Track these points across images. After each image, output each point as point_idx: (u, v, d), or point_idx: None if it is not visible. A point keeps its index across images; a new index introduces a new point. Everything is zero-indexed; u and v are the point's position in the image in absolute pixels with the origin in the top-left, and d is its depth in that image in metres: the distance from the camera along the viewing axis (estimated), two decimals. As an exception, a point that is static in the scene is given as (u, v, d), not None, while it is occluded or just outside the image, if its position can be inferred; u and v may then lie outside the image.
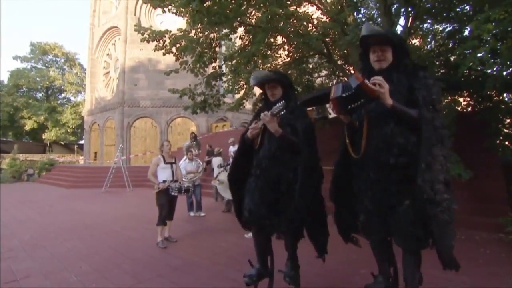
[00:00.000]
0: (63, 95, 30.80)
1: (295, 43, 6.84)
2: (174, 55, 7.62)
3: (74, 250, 3.93)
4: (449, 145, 1.66)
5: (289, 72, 9.16)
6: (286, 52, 8.88)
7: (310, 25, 6.93)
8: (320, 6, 6.99)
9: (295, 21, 6.36)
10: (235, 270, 3.07)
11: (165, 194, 4.20)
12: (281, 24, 5.63)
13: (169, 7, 6.84)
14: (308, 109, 8.43)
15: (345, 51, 7.98)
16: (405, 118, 1.65)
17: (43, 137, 27.52)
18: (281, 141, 2.08)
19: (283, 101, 1.97)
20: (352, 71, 8.36)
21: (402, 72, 1.76)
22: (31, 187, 13.12)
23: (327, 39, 7.24)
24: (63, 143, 28.47)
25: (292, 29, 6.24)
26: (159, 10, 7.00)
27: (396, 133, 1.68)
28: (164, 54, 7.62)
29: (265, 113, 2.01)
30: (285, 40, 6.62)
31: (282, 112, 1.95)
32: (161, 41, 7.49)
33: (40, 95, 29.67)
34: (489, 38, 4.29)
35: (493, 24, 4.14)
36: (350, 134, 1.87)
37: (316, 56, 8.87)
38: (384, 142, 1.70)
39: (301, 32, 6.19)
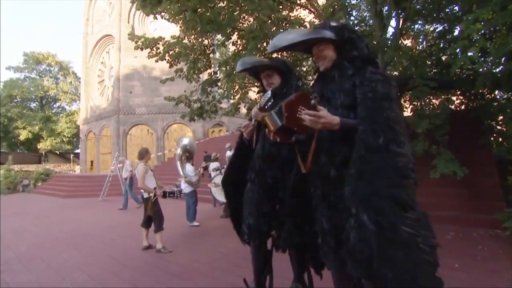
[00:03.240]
0: (57, 104, 30.62)
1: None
2: (167, 62, 7.64)
3: (71, 260, 3.88)
4: (405, 155, 1.24)
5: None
6: (279, 57, 8.95)
7: (302, 29, 6.99)
8: (312, 9, 7.07)
9: (287, 25, 6.42)
10: (235, 275, 3.06)
11: (157, 201, 4.24)
12: (273, 29, 5.68)
13: (162, 14, 6.89)
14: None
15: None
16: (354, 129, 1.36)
17: (38, 147, 27.29)
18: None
19: (270, 90, 1.74)
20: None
21: (346, 67, 1.52)
22: (26, 198, 12.97)
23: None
24: (58, 153, 28.23)
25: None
26: (152, 17, 7.02)
27: (338, 141, 1.44)
28: (156, 61, 7.64)
29: (254, 108, 1.84)
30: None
31: (270, 103, 1.71)
32: (154, 48, 7.51)
33: (35, 104, 29.46)
34: (478, 38, 4.37)
35: (482, 24, 4.23)
36: (300, 148, 1.66)
37: (310, 59, 8.94)
38: (325, 152, 1.48)
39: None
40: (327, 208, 1.48)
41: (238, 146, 2.15)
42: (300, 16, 7.23)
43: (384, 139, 1.24)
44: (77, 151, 26.94)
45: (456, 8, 5.86)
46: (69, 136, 27.82)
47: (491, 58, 4.52)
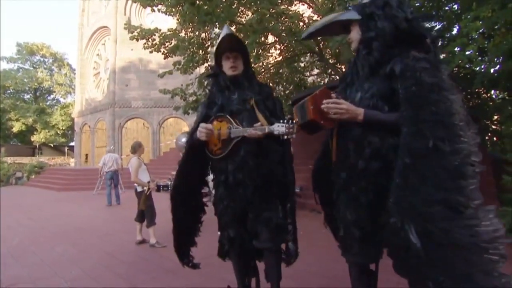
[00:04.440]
0: (52, 96, 30.24)
1: (287, 42, 6.85)
2: (163, 54, 7.55)
3: (65, 254, 3.85)
4: (461, 150, 1.09)
5: (281, 70, 9.17)
6: (277, 51, 8.89)
7: (301, 23, 6.94)
8: (311, 4, 7.00)
9: (286, 19, 6.36)
10: (230, 272, 3.03)
11: (150, 195, 4.21)
12: (272, 24, 5.62)
13: (159, 6, 6.78)
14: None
15: (337, 50, 8.03)
16: (389, 126, 1.25)
17: (32, 140, 26.98)
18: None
19: (294, 121, 1.49)
20: (344, 69, 8.45)
21: (360, 53, 1.36)
22: (19, 191, 12.84)
23: (319, 38, 7.27)
24: (53, 145, 27.97)
25: (283, 28, 6.24)
26: (149, 9, 6.91)
27: (368, 131, 1.30)
28: (151, 52, 7.56)
29: (256, 128, 1.60)
30: (277, 39, 6.64)
31: (287, 137, 1.53)
32: (150, 39, 7.42)
33: (28, 96, 29.07)
34: (476, 36, 4.36)
35: (481, 22, 4.21)
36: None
37: (308, 54, 8.90)
38: (353, 142, 1.35)
39: (293, 30, 6.20)
40: (350, 199, 1.38)
41: (189, 149, 1.85)
42: (298, 11, 7.16)
43: (433, 139, 1.09)
44: (71, 144, 26.69)
45: (455, 6, 5.84)
46: (63, 128, 27.53)
47: (489, 57, 4.53)
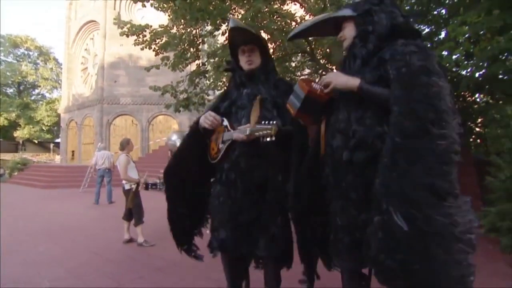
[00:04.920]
0: (37, 91, 29.37)
1: (280, 41, 6.85)
2: (153, 50, 7.44)
3: (49, 254, 3.74)
4: (448, 136, 1.06)
5: (273, 70, 9.16)
6: (270, 51, 8.89)
7: (293, 23, 6.96)
8: (303, 4, 7.03)
9: (279, 18, 6.37)
10: (219, 271, 3.01)
11: (138, 193, 4.16)
12: (265, 22, 5.61)
13: (150, 1, 6.67)
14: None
15: (328, 50, 8.09)
16: (384, 101, 1.18)
17: (15, 135, 26.15)
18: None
19: (274, 122, 1.38)
20: (335, 70, 8.51)
21: (357, 45, 1.34)
22: (1, 188, 12.44)
23: (310, 38, 7.31)
24: (37, 142, 27.19)
25: (276, 27, 6.24)
26: (140, 4, 6.78)
27: (354, 121, 1.25)
28: (142, 49, 7.44)
29: (240, 130, 1.49)
30: (269, 37, 6.65)
31: (267, 139, 1.37)
32: (141, 36, 7.29)
33: (11, 90, 28.14)
34: (463, 41, 4.47)
35: (467, 27, 4.32)
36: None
37: (299, 54, 8.93)
38: (341, 134, 1.29)
39: (285, 29, 6.21)
40: (339, 198, 1.32)
41: (192, 133, 1.79)
42: (290, 10, 7.18)
43: (423, 121, 1.06)
44: (57, 140, 26.00)
45: (443, 11, 5.98)
46: (49, 124, 26.78)
47: (475, 61, 4.66)
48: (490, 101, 5.32)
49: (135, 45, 7.45)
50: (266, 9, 5.39)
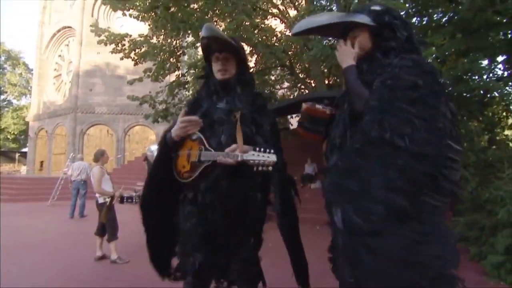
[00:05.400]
0: (3, 97, 27.68)
1: (261, 53, 6.99)
2: (132, 60, 7.32)
3: (10, 274, 3.45)
4: (424, 156, 0.98)
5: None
6: (250, 64, 9.04)
7: (274, 38, 7.15)
8: (283, 20, 7.26)
9: (260, 32, 6.52)
10: None
11: (113, 207, 3.98)
12: (248, 34, 5.72)
13: (131, 10, 6.61)
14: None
15: (306, 65, 8.35)
16: (353, 95, 1.19)
17: (-24, 144, 24.36)
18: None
19: (272, 152, 1.29)
20: (313, 84, 8.79)
21: (378, 59, 1.26)
22: (-42, 202, 11.42)
23: (290, 52, 7.53)
24: (1, 151, 25.43)
25: (258, 40, 6.38)
26: (119, 13, 6.69)
27: (349, 135, 1.22)
28: (121, 59, 7.29)
29: (228, 154, 1.35)
30: (252, 50, 6.77)
31: (261, 169, 1.29)
32: (119, 45, 7.16)
33: (-26, 96, 26.38)
34: (431, 61, 4.80)
35: (434, 48, 4.65)
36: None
37: (279, 68, 9.14)
38: (337, 149, 1.27)
39: (267, 43, 6.35)
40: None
41: (162, 155, 1.57)
42: (271, 25, 7.38)
43: (391, 132, 0.98)
44: (24, 150, 24.45)
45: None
46: (15, 133, 25.21)
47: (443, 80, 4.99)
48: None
49: (112, 53, 7.30)
50: (248, 23, 5.51)
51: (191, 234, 1.50)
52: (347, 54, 1.27)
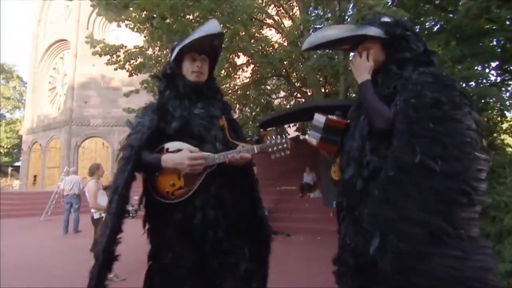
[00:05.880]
0: (-4, 111, 27.36)
1: (258, 63, 7.02)
2: (127, 71, 7.29)
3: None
4: (454, 175, 1.00)
5: (248, 92, 9.33)
6: (246, 74, 9.06)
7: (270, 48, 7.19)
8: (279, 30, 7.31)
9: (256, 42, 6.54)
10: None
11: None
12: (244, 44, 5.74)
13: (126, 22, 6.61)
14: (268, 129, 8.55)
15: (302, 74, 8.39)
16: (371, 111, 1.19)
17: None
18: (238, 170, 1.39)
19: (287, 135, 1.38)
20: (309, 93, 8.82)
21: (393, 72, 1.26)
22: None
23: (286, 62, 7.57)
24: (-7, 165, 24.99)
25: (255, 50, 6.41)
26: (114, 25, 6.70)
27: (368, 149, 1.22)
28: (115, 69, 7.27)
29: (240, 150, 1.32)
30: (249, 60, 6.78)
31: (279, 155, 1.33)
32: (114, 56, 7.14)
33: (-34, 110, 26.03)
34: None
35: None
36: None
37: (275, 78, 9.18)
38: (354, 162, 1.26)
39: (264, 52, 6.37)
40: (351, 223, 1.28)
41: (132, 171, 1.32)
42: (267, 35, 7.44)
43: (423, 156, 1.00)
44: (17, 164, 24.04)
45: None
46: (8, 147, 24.82)
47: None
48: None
49: (107, 65, 7.28)
50: (244, 33, 5.53)
51: (175, 266, 1.32)
52: (362, 68, 1.27)
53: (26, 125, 18.27)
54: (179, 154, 1.27)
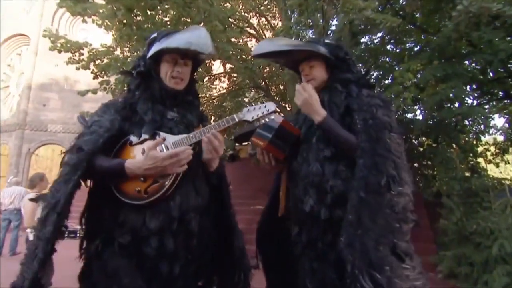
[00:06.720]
0: None
1: (235, 69, 6.64)
2: (92, 72, 6.59)
3: None
4: (405, 195, 1.12)
5: (224, 104, 8.92)
6: (222, 84, 8.71)
7: (249, 56, 6.91)
8: (259, 39, 7.08)
9: (235, 45, 6.20)
10: None
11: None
12: (221, 44, 5.32)
13: (93, 17, 5.97)
14: (243, 143, 8.11)
15: (281, 87, 8.18)
16: (341, 143, 1.20)
17: None
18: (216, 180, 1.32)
19: (268, 103, 1.23)
20: (288, 108, 8.61)
21: (338, 91, 1.34)
22: None
23: (265, 71, 7.31)
24: None
25: (232, 52, 6.04)
26: (83, 25, 6.06)
27: (328, 173, 1.21)
28: (78, 69, 6.56)
29: (218, 123, 1.19)
30: (225, 66, 6.40)
31: (269, 119, 1.24)
32: (77, 54, 6.42)
33: None
34: (410, 85, 4.72)
35: (410, 74, 4.59)
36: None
37: (253, 90, 8.88)
38: (314, 189, 1.22)
39: (243, 57, 6.02)
40: (313, 259, 1.23)
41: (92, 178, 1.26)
42: (247, 42, 7.17)
43: (386, 177, 1.09)
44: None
45: (388, 59, 6.49)
46: None
47: (422, 106, 4.93)
48: (433, 144, 5.63)
49: (67, 64, 6.55)
50: (222, 32, 5.11)
51: None
52: (315, 102, 1.27)
53: (-29, 127, 16.30)
54: (146, 156, 1.09)
